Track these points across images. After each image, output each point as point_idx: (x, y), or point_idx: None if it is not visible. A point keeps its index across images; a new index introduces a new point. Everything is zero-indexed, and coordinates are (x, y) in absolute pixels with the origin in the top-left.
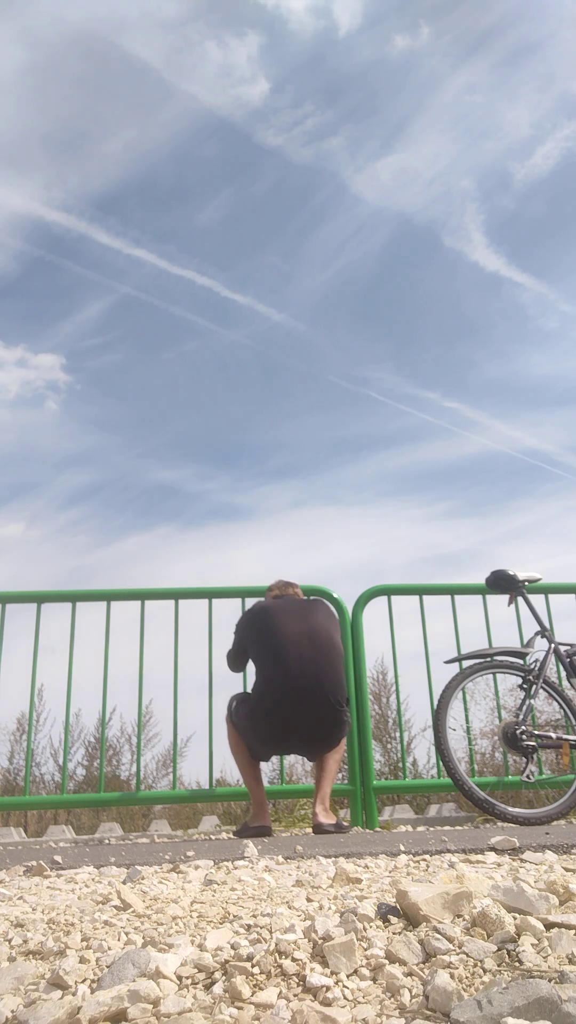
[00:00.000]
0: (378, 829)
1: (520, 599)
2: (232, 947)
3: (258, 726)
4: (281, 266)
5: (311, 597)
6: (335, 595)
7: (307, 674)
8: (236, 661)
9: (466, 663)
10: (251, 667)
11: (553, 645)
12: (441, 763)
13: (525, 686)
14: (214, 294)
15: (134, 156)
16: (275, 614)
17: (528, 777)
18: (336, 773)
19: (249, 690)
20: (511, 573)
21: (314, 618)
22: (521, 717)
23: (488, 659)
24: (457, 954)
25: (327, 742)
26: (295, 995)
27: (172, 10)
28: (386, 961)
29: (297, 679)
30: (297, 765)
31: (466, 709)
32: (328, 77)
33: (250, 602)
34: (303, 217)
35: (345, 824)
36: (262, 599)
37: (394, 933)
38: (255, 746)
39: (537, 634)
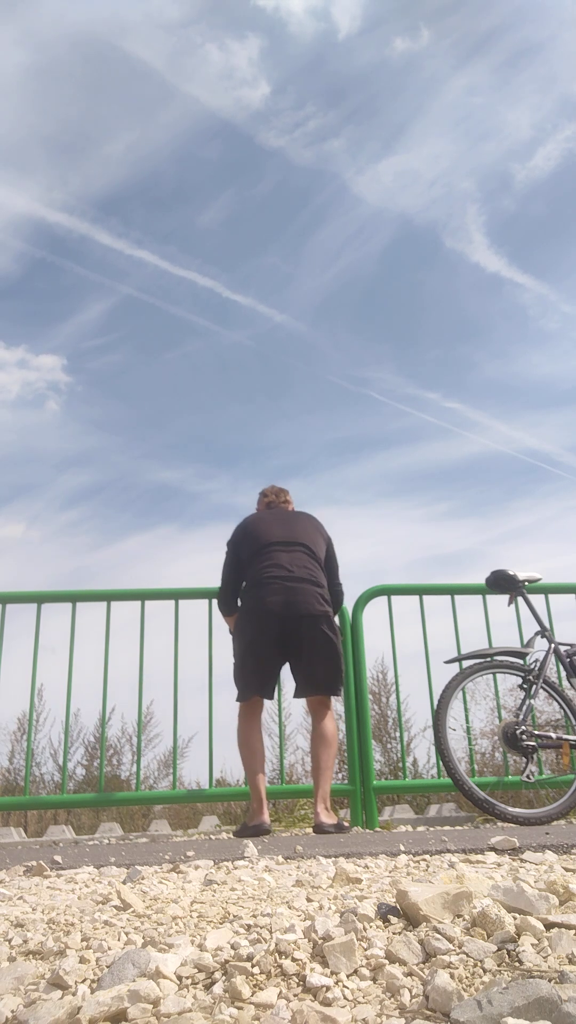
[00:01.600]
0: (378, 829)
1: (520, 599)
2: (232, 947)
3: (248, 634)
4: (282, 267)
5: (299, 510)
6: None
7: (289, 575)
8: (229, 575)
9: (466, 663)
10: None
11: (553, 645)
12: (441, 763)
13: (525, 686)
14: (215, 295)
15: (136, 158)
16: (262, 523)
17: (528, 777)
18: (331, 769)
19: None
20: (511, 573)
21: (297, 526)
22: (521, 717)
23: (488, 659)
24: (457, 954)
25: (313, 639)
26: (295, 995)
27: (174, 12)
28: (386, 961)
29: (281, 578)
30: (297, 765)
31: (466, 709)
32: (329, 79)
33: None
34: (304, 218)
35: (346, 824)
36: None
37: (394, 933)
38: (252, 669)
39: (537, 634)
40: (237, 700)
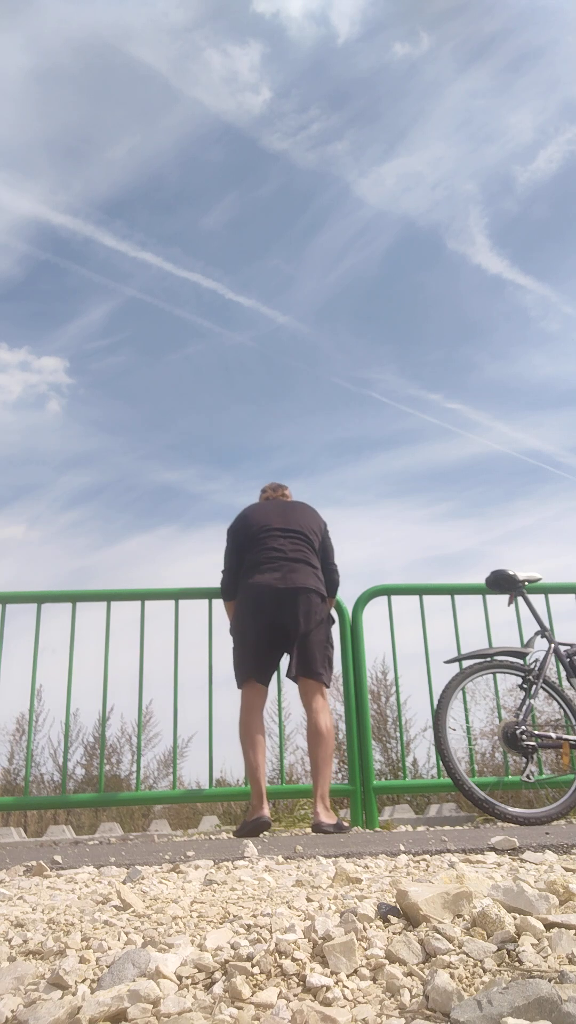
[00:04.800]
0: (378, 829)
1: (520, 599)
2: (232, 947)
3: (245, 613)
4: (285, 269)
5: (296, 500)
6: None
7: (284, 556)
8: (229, 565)
9: (466, 663)
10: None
11: (553, 645)
12: (441, 763)
13: (525, 686)
14: (219, 297)
15: (140, 161)
16: (260, 511)
17: (528, 777)
18: (330, 768)
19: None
20: (511, 573)
21: (294, 514)
22: (521, 717)
23: (488, 659)
24: (457, 954)
25: (307, 620)
26: (295, 995)
27: (177, 17)
28: (386, 961)
29: (276, 559)
30: (297, 765)
31: (466, 709)
32: (331, 83)
33: None
34: (307, 220)
35: (345, 824)
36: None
37: (394, 933)
38: (248, 653)
39: (537, 634)
40: (238, 687)
